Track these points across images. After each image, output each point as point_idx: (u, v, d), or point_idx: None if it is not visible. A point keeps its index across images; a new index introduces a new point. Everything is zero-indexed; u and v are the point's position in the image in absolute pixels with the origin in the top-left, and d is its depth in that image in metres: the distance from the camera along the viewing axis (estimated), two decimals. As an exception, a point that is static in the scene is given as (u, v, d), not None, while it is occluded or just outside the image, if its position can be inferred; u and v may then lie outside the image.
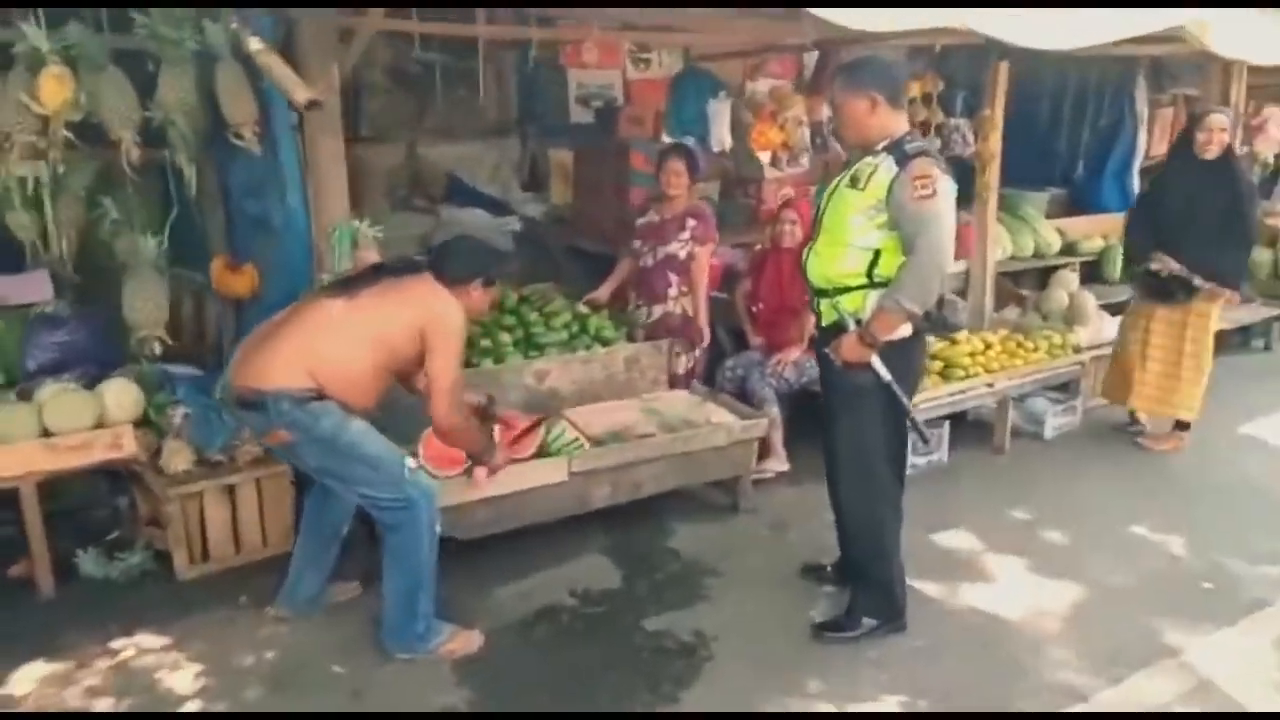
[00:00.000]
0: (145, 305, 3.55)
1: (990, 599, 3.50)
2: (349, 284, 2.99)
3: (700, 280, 4.66)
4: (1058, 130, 7.75)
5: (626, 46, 6.73)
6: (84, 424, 3.39)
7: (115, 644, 3.12)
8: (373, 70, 6.43)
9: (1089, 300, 5.75)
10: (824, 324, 3.17)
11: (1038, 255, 6.48)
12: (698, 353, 4.76)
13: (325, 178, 3.54)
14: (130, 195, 3.57)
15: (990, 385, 4.77)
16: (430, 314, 2.90)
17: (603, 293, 4.82)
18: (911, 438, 3.31)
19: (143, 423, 3.60)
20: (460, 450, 3.25)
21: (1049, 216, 6.84)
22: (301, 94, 3.01)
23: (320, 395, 2.84)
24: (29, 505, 3.33)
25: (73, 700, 2.83)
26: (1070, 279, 6.27)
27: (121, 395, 3.50)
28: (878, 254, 2.97)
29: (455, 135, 6.77)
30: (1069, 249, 6.64)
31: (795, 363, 4.62)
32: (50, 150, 3.34)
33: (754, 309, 4.97)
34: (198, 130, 3.42)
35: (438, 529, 3.03)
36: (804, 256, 3.20)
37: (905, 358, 3.04)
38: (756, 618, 3.34)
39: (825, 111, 4.93)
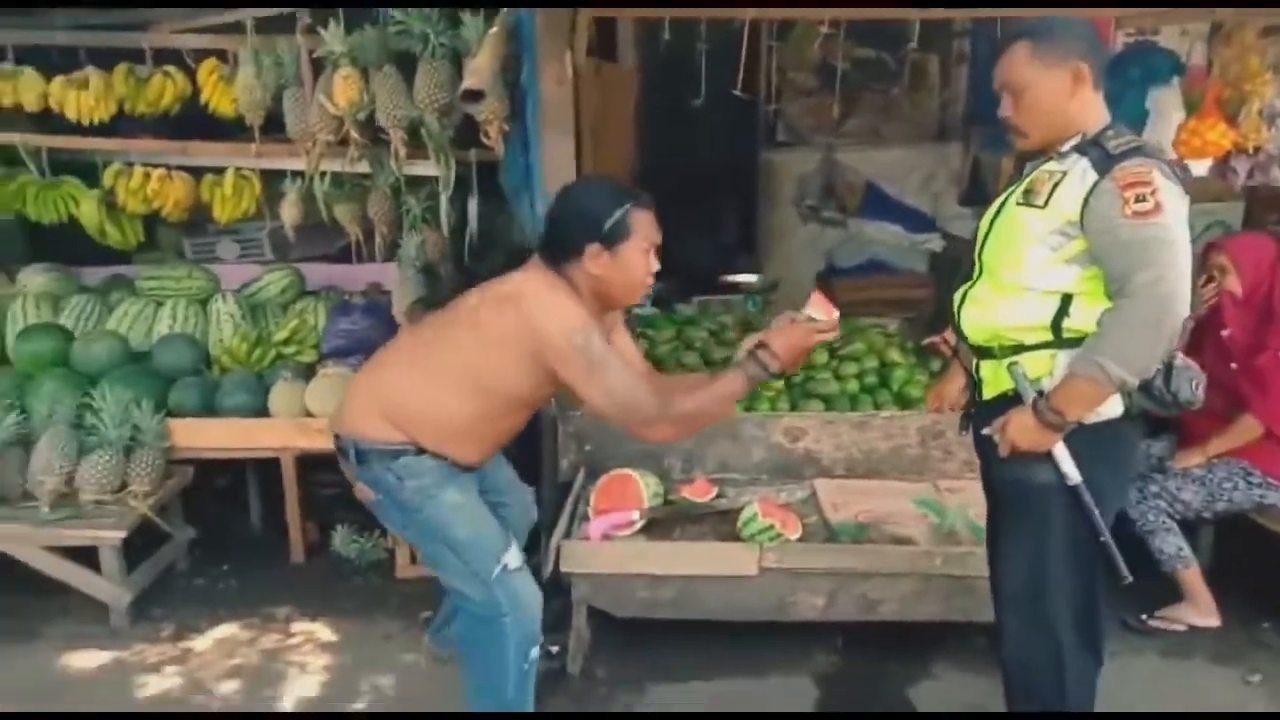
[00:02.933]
0: (401, 302, 3.62)
1: None
2: (453, 300, 2.34)
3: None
4: None
5: (1114, 25, 5.23)
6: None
7: (295, 627, 3.20)
8: (799, 71, 5.93)
9: None
10: (986, 396, 2.10)
11: None
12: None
13: (551, 181, 3.19)
14: (411, 194, 3.65)
15: None
16: (530, 333, 2.11)
17: (949, 335, 3.74)
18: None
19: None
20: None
21: None
22: (467, 81, 2.71)
23: (417, 448, 2.24)
24: (287, 477, 3.58)
25: (213, 672, 2.94)
26: None
27: (376, 387, 3.59)
28: (1068, 299, 1.93)
29: (883, 139, 5.97)
30: None
31: (1198, 478, 3.11)
32: (350, 148, 3.54)
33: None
34: (451, 128, 3.38)
35: (533, 656, 2.31)
36: (956, 301, 2.15)
37: (1106, 449, 1.99)
38: None
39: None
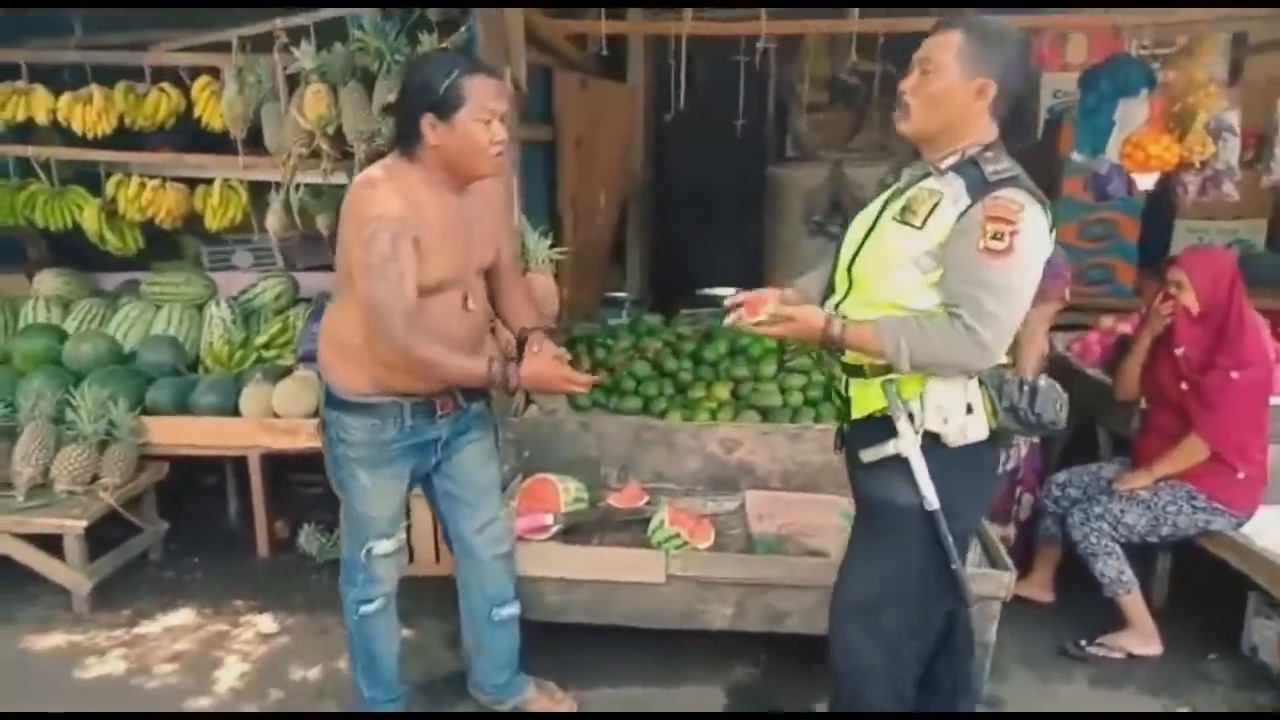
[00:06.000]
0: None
1: None
2: None
3: (1026, 351, 3.28)
4: None
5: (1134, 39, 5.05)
6: (300, 411, 3.67)
7: (243, 618, 3.32)
8: (811, 86, 5.93)
9: None
10: (855, 415, 2.09)
11: None
12: (1020, 448, 3.38)
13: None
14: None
15: None
16: (342, 224, 2.18)
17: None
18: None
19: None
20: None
21: None
22: (389, 96, 2.81)
23: (358, 400, 2.29)
24: (254, 474, 3.74)
25: (156, 657, 3.09)
26: None
27: (340, 390, 3.71)
28: None
29: (891, 154, 5.89)
30: None
31: (1143, 501, 3.01)
32: (323, 160, 3.70)
33: (1140, 406, 3.36)
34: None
35: (363, 610, 2.49)
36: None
37: (967, 472, 1.99)
38: None
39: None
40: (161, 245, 4.75)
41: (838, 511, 3.03)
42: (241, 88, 3.74)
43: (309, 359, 3.94)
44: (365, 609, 2.50)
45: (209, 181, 4.06)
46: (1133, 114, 3.51)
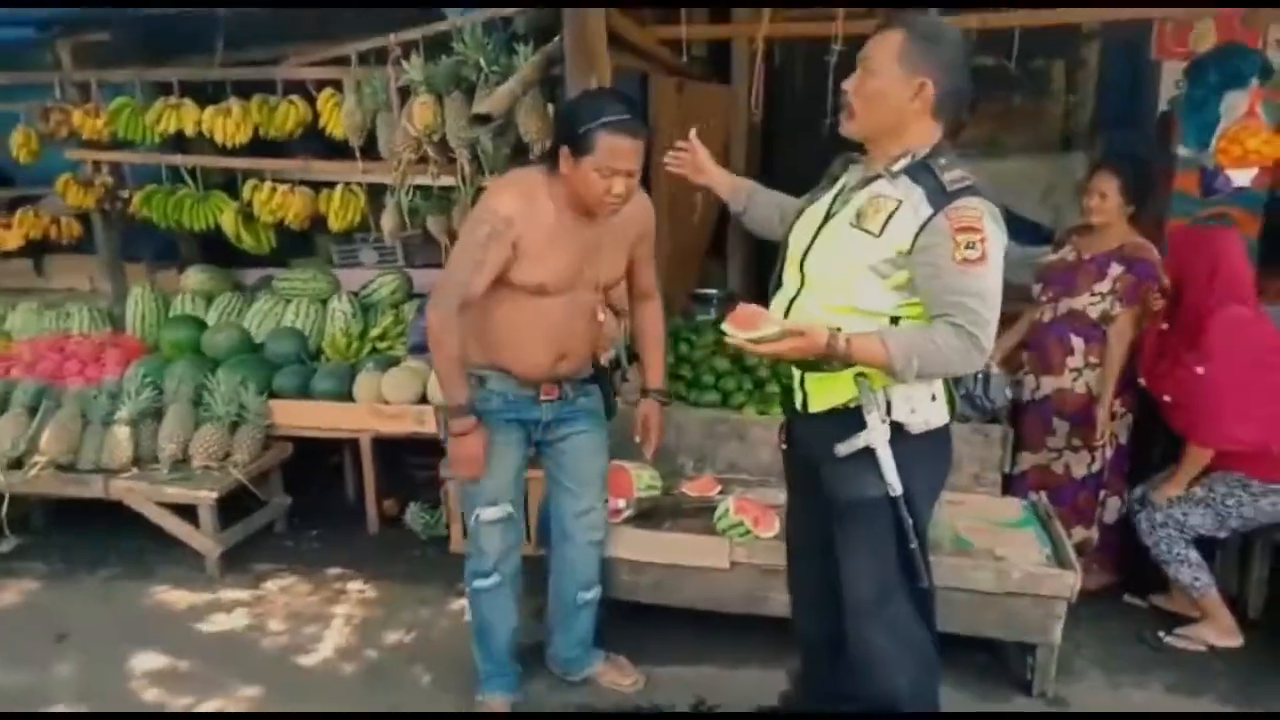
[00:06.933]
0: (467, 303, 3.99)
1: None
2: None
3: (1116, 352, 3.24)
4: None
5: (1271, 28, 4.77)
6: (406, 398, 3.96)
7: (351, 585, 3.63)
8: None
9: None
10: (815, 409, 2.13)
11: None
12: (1103, 452, 3.32)
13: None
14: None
15: None
16: None
17: (994, 352, 3.67)
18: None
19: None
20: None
21: None
22: (475, 107, 3.01)
23: (484, 376, 2.52)
24: (365, 455, 4.05)
25: (272, 616, 3.41)
26: None
27: (442, 379, 3.98)
28: (894, 320, 2.01)
29: (1000, 150, 5.77)
30: None
31: (1200, 500, 2.97)
32: (430, 165, 3.98)
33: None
34: (508, 146, 3.71)
35: (476, 585, 2.69)
36: (784, 309, 2.12)
37: (928, 457, 2.09)
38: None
39: None
40: (299, 243, 5.19)
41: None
42: (360, 99, 4.07)
43: (416, 350, 4.25)
44: (478, 584, 2.69)
45: (332, 186, 4.41)
46: (1238, 106, 3.37)
